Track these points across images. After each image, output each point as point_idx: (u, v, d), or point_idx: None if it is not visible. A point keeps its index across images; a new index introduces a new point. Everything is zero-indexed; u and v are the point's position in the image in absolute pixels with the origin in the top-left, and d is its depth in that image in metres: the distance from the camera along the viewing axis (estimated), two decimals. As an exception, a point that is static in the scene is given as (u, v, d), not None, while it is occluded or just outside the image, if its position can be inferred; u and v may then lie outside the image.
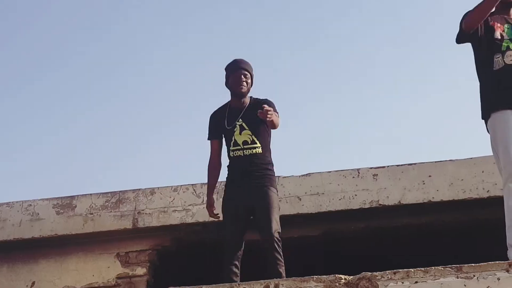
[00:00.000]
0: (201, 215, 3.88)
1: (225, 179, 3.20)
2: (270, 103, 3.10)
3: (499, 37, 2.77)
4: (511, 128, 2.61)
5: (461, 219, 3.87)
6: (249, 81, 3.21)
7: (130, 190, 4.13)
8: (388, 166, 3.92)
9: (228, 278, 2.90)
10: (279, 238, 2.91)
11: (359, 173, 3.89)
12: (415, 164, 3.88)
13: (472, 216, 3.83)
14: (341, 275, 2.57)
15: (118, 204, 4.06)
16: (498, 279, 2.18)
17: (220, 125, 3.20)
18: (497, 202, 3.01)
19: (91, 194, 4.15)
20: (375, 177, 3.86)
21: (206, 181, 3.36)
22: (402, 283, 2.42)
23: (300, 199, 3.88)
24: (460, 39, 2.86)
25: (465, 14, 2.80)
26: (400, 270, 2.46)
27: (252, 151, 3.10)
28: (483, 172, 3.69)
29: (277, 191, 3.11)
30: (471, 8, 2.76)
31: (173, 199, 4.02)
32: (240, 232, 3.04)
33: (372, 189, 3.83)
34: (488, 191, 3.66)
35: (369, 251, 4.29)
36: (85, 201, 4.10)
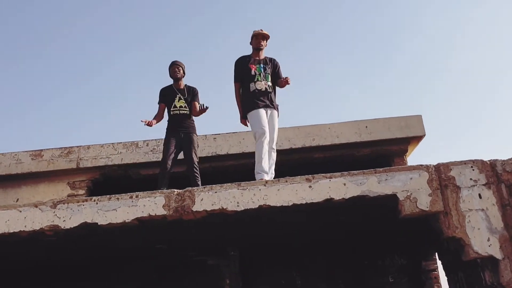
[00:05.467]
0: (117, 160, 6.64)
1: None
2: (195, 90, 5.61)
3: (253, 74, 5.26)
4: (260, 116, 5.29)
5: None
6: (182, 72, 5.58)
7: (75, 146, 6.79)
8: (222, 133, 6.92)
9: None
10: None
11: (206, 136, 6.85)
12: (232, 132, 6.90)
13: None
14: (174, 189, 4.02)
15: (68, 154, 6.74)
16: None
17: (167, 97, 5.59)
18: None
19: (52, 148, 6.77)
20: (215, 139, 6.88)
21: (119, 140, 6.29)
22: (207, 192, 3.97)
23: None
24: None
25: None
26: (207, 186, 4.03)
27: (184, 112, 5.54)
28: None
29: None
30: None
31: (100, 152, 6.75)
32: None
33: (212, 145, 6.85)
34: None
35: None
36: (48, 152, 6.74)
